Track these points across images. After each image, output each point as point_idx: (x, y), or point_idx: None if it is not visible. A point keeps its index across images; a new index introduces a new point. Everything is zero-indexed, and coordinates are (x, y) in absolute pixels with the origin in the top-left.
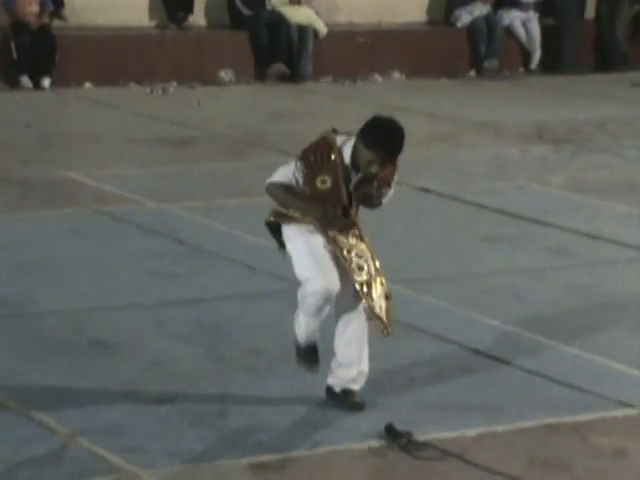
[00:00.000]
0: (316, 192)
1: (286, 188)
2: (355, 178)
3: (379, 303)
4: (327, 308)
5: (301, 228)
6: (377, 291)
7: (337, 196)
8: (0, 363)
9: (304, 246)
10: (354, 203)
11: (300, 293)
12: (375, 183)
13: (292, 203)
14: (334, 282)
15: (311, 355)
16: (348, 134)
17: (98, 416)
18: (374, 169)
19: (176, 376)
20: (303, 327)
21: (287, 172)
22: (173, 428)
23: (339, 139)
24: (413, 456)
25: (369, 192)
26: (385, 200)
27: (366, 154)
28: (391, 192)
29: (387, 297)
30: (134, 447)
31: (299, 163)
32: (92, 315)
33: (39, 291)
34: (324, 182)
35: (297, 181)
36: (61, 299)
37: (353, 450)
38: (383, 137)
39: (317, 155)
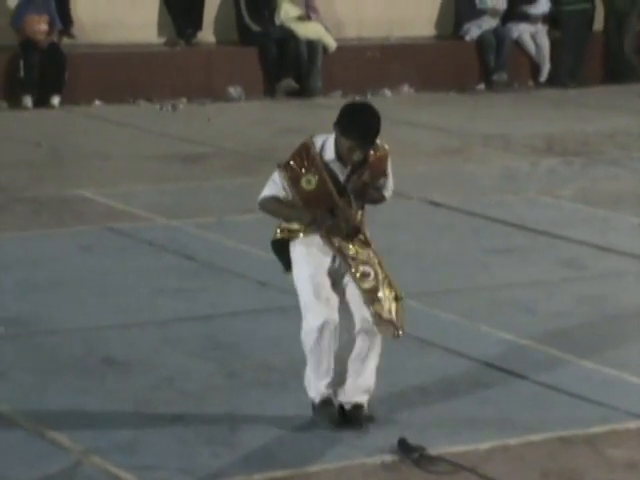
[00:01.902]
0: (304, 194)
1: (277, 199)
2: (344, 173)
3: (388, 307)
4: (327, 339)
5: (307, 244)
6: (385, 294)
7: (326, 193)
8: (12, 381)
9: (307, 272)
10: (355, 205)
11: (302, 333)
12: (367, 173)
13: (284, 212)
14: (331, 313)
15: (327, 411)
16: (329, 133)
17: (111, 433)
18: (356, 155)
19: (188, 392)
20: (313, 382)
21: (274, 184)
22: (186, 445)
23: (319, 139)
24: (426, 470)
25: (363, 181)
26: (388, 193)
27: (345, 142)
28: (391, 183)
29: (397, 299)
30: (147, 464)
31: (281, 171)
32: (103, 332)
33: (50, 309)
34: (309, 182)
35: (285, 189)
36: (72, 317)
37: (366, 465)
38: (358, 122)
39: (296, 158)
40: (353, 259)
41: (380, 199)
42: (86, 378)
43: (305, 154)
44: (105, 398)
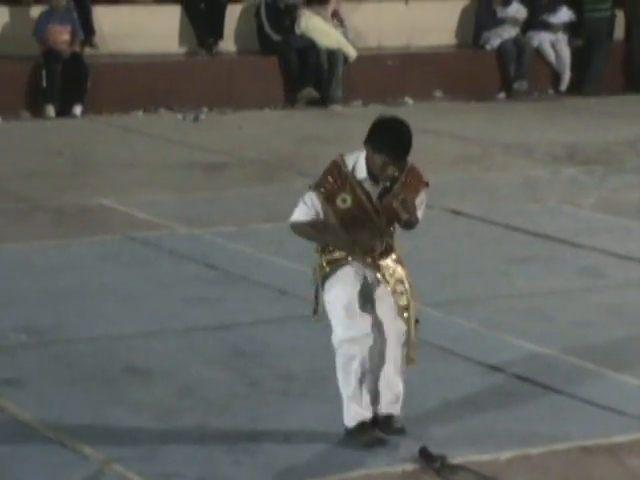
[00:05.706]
0: (340, 213)
1: (312, 224)
2: (377, 191)
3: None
4: (359, 357)
5: (340, 268)
6: (411, 314)
7: (362, 211)
8: (34, 390)
9: (338, 290)
10: (385, 224)
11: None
12: (400, 193)
13: (321, 237)
14: (363, 329)
15: (362, 438)
16: (359, 151)
17: (132, 442)
18: (390, 171)
19: (209, 401)
20: (346, 406)
21: (305, 207)
22: (207, 453)
23: (350, 158)
24: (447, 479)
25: (404, 200)
26: (419, 214)
27: (378, 159)
28: (422, 205)
29: (417, 321)
30: (169, 473)
31: (313, 193)
32: (125, 341)
33: (72, 317)
34: (344, 201)
35: (317, 212)
36: (94, 325)
37: (387, 474)
38: (390, 137)
39: (328, 178)
40: (390, 275)
41: (415, 222)
42: (108, 387)
43: (337, 173)
44: (127, 407)
